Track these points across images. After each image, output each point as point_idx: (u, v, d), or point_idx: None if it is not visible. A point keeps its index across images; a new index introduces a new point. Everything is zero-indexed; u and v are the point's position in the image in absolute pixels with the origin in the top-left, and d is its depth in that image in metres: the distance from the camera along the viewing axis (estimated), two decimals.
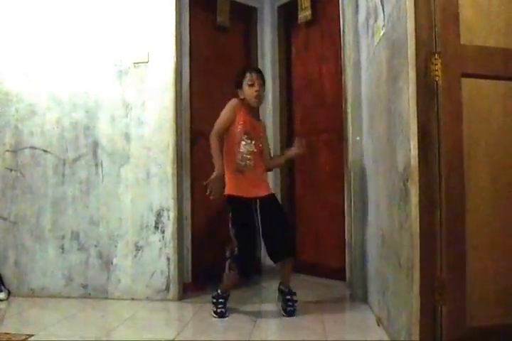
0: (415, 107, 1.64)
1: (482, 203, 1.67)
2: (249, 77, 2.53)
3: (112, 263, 2.87)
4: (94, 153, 2.92)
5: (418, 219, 1.62)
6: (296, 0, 3.55)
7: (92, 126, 2.94)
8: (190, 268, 3.12)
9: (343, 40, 3.00)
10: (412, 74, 1.65)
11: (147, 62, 2.88)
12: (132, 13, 2.92)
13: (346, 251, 3.04)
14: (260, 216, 2.47)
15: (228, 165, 2.48)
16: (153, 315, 2.56)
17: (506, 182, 1.69)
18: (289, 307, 2.45)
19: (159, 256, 2.82)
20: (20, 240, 2.96)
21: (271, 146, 2.86)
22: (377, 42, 2.23)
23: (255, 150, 2.52)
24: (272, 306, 2.65)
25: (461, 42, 1.67)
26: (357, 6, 2.83)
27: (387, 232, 2.09)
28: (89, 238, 2.90)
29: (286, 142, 3.62)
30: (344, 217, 3.03)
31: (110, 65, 2.93)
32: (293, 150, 2.65)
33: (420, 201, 1.62)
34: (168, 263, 2.80)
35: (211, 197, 2.35)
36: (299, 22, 3.57)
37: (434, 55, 1.65)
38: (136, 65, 2.90)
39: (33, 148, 2.98)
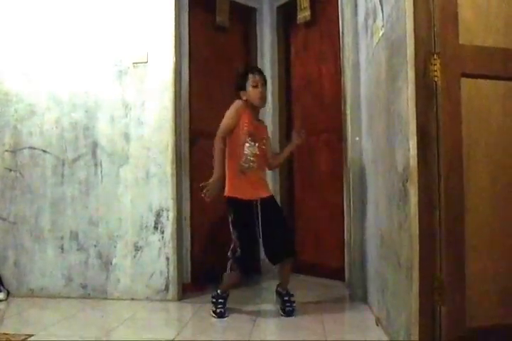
0: (414, 107, 1.63)
1: (481, 203, 1.67)
2: (252, 78, 2.53)
3: (111, 263, 2.86)
4: (94, 153, 2.92)
5: (417, 220, 1.62)
6: (295, 0, 3.54)
7: (92, 126, 2.94)
8: (189, 268, 3.12)
9: (342, 41, 3.00)
10: (411, 74, 1.64)
11: (146, 63, 2.89)
12: (132, 14, 2.93)
13: (346, 251, 3.03)
14: (260, 218, 2.47)
15: (231, 166, 2.47)
16: (153, 315, 2.56)
17: (506, 182, 1.69)
18: (287, 308, 2.46)
19: (159, 256, 2.82)
20: (20, 240, 2.95)
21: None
22: (377, 43, 2.23)
23: (258, 152, 2.52)
24: (271, 306, 2.65)
25: (460, 42, 1.66)
26: (356, 7, 2.83)
27: (386, 232, 2.09)
28: (88, 238, 2.90)
29: (286, 142, 3.61)
30: (343, 217, 3.02)
31: (110, 65, 2.93)
32: (293, 143, 2.66)
33: (419, 201, 1.62)
34: (168, 264, 2.80)
35: (207, 199, 2.37)
36: (298, 22, 3.57)
37: (433, 55, 1.65)
38: (135, 65, 2.90)
39: (32, 148, 2.98)
